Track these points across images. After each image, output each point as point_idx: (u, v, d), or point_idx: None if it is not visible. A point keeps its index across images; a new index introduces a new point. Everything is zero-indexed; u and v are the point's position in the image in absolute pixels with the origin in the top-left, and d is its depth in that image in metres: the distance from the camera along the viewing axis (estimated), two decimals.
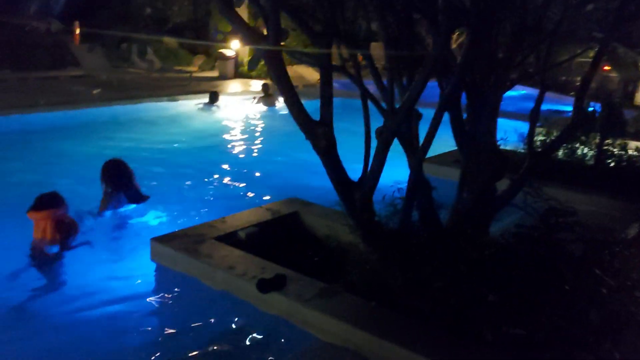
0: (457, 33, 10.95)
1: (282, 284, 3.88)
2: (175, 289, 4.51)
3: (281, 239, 4.96)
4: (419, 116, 4.08)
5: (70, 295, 4.83)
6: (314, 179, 7.68)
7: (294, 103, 3.03)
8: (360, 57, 3.75)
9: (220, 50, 18.40)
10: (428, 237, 3.83)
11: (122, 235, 5.63)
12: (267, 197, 7.15)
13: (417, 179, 3.53)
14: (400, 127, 3.28)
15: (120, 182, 5.81)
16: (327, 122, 3.09)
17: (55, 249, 5.19)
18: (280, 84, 3.00)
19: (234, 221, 5.07)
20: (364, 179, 3.34)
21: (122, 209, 5.82)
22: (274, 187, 7.76)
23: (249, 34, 2.91)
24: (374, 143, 3.58)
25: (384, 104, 3.53)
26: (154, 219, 5.96)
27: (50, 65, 16.10)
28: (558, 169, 6.88)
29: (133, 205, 5.90)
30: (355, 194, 3.31)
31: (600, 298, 3.11)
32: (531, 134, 4.13)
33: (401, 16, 3.42)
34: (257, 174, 8.60)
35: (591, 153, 7.37)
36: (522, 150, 7.38)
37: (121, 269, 5.04)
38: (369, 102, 3.55)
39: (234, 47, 18.36)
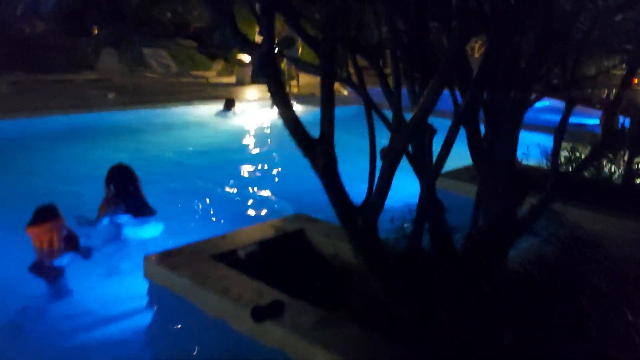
0: (478, 42, 10.59)
1: (279, 312, 3.58)
2: (167, 311, 4.24)
3: (283, 259, 4.65)
4: (433, 132, 3.75)
5: (60, 312, 4.62)
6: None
7: (290, 118, 2.73)
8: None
9: (239, 56, 18.21)
10: (439, 265, 3.50)
11: (119, 248, 5.37)
12: (277, 211, 6.88)
13: (428, 203, 3.20)
14: (408, 146, 2.96)
15: (125, 188, 5.55)
16: (328, 139, 2.78)
17: (64, 261, 4.96)
18: (275, 96, 2.71)
19: (234, 238, 4.78)
20: (368, 203, 3.02)
21: (120, 219, 5.54)
22: (284, 200, 7.49)
23: (242, 41, 2.62)
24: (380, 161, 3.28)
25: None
26: (154, 232, 5.69)
27: (66, 68, 16.00)
28: (583, 188, 6.49)
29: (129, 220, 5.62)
30: (358, 219, 2.99)
31: (630, 343, 2.76)
32: (556, 153, 3.78)
33: (414, 21, 3.11)
34: (268, 186, 8.32)
35: (619, 171, 6.96)
36: (545, 167, 7.02)
37: (115, 286, 4.79)
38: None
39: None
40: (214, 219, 6.88)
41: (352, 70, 3.23)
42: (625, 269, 3.25)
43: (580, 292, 2.98)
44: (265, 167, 9.61)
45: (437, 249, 3.70)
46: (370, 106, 3.16)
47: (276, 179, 8.95)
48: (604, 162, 6.92)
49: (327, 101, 2.80)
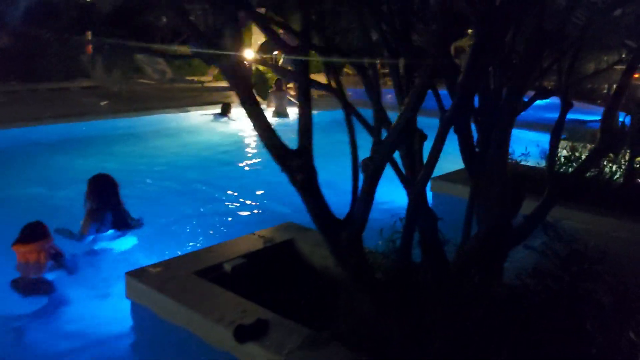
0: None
1: (263, 332, 3.39)
2: (148, 331, 4.05)
3: (271, 272, 4.46)
4: (423, 137, 3.55)
5: (40, 330, 4.44)
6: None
7: (263, 128, 2.54)
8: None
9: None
10: (432, 280, 3.30)
11: (103, 264, 5.17)
12: (273, 219, 6.68)
13: (417, 214, 3.00)
14: (390, 156, 2.76)
15: (107, 199, 5.35)
16: (306, 152, 2.58)
17: (49, 277, 4.80)
18: (245, 105, 2.52)
19: (220, 251, 4.58)
20: (351, 217, 2.82)
21: (106, 233, 5.35)
22: (280, 206, 7.28)
23: (206, 48, 2.43)
24: None
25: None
26: (140, 246, 5.50)
27: (61, 76, 15.84)
28: (583, 188, 6.28)
29: (114, 233, 5.43)
30: (341, 234, 2.80)
31: None
32: (552, 157, 3.58)
33: (396, 23, 2.91)
34: (264, 193, 8.12)
35: (621, 170, 6.74)
36: (544, 167, 6.81)
37: (97, 304, 4.60)
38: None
39: (248, 57, 17.95)
40: (208, 228, 6.70)
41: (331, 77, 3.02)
42: (626, 280, 3.04)
43: (582, 310, 2.78)
44: (261, 172, 9.43)
45: (429, 262, 3.50)
46: (350, 112, 2.96)
47: (272, 185, 8.75)
48: (605, 162, 6.71)
49: (305, 110, 2.60)
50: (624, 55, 3.96)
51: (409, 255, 3.14)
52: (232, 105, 13.93)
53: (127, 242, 5.42)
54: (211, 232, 6.51)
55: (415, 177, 3.27)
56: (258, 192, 8.17)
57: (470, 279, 3.20)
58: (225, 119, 13.73)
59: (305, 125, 2.58)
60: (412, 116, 2.55)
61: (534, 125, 9.77)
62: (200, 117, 13.54)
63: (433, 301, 3.07)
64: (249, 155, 11.07)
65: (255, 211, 7.48)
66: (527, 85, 2.86)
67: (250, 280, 4.26)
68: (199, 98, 15.14)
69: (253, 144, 11.68)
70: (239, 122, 13.37)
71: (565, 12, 3.21)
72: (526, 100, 3.65)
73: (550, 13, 3.17)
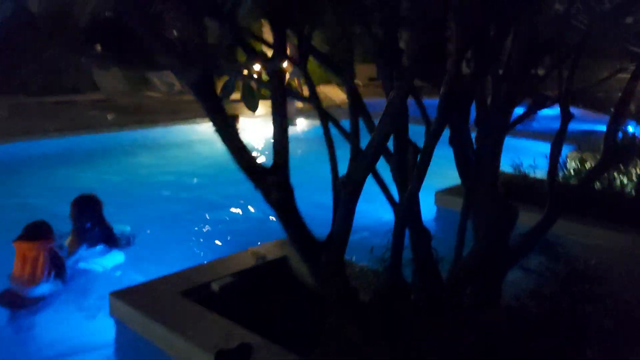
0: None
1: (245, 357, 3.21)
2: (132, 353, 3.89)
3: (262, 291, 4.29)
4: (417, 150, 3.37)
5: (22, 351, 4.29)
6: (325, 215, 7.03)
7: (234, 144, 2.38)
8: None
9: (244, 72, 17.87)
10: (424, 301, 3.11)
11: (90, 282, 5.01)
12: (276, 235, 6.50)
13: (403, 235, 2.82)
14: (368, 174, 2.57)
15: (92, 219, 5.24)
16: (282, 168, 2.42)
17: (44, 289, 4.66)
18: (213, 118, 2.36)
19: (209, 269, 4.43)
20: (331, 238, 2.64)
21: (94, 249, 5.23)
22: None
23: (172, 58, 2.27)
24: None
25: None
26: (131, 264, 5.36)
27: (69, 89, 15.80)
28: (592, 201, 6.05)
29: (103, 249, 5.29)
30: (322, 256, 2.62)
31: None
32: (552, 172, 3.37)
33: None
34: (263, 209, 7.91)
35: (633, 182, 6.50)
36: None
37: (82, 323, 4.44)
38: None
39: (255, 68, 17.84)
40: (210, 243, 6.53)
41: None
42: (631, 301, 2.83)
43: (582, 335, 2.58)
44: None
45: (422, 281, 3.31)
46: (327, 123, 2.78)
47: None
48: (616, 173, 6.48)
49: (280, 123, 2.44)
50: (630, 65, 3.72)
51: (398, 275, 2.95)
52: (239, 116, 13.80)
53: (117, 259, 5.29)
54: (215, 245, 6.35)
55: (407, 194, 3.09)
56: (262, 206, 7.98)
57: (464, 301, 3.00)
58: None
59: (280, 139, 2.41)
60: (389, 130, 2.38)
61: (544, 136, 9.53)
62: (207, 130, 13.40)
63: (424, 325, 2.88)
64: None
65: (259, 226, 7.30)
66: (517, 97, 2.66)
67: (239, 301, 4.09)
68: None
69: (261, 157, 11.54)
70: (247, 133, 13.24)
71: (561, 19, 3.02)
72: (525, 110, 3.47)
73: (546, 21, 2.98)
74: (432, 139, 2.51)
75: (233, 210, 7.76)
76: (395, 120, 2.33)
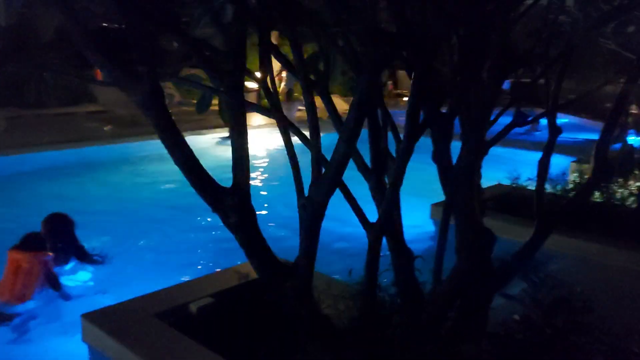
0: None
1: None
2: None
3: (243, 313, 4.10)
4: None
5: None
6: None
7: (188, 164, 2.21)
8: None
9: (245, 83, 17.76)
10: (402, 331, 2.93)
11: (64, 303, 4.85)
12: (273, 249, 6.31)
13: (376, 259, 2.65)
14: (330, 196, 2.40)
15: (64, 239, 5.14)
16: (241, 189, 2.25)
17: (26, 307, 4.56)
18: (162, 135, 2.20)
19: (189, 289, 4.25)
20: (297, 264, 2.47)
21: (67, 266, 5.12)
22: (284, 230, 6.89)
23: (116, 72, 2.12)
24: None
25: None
26: (109, 282, 5.20)
27: (66, 101, 15.72)
28: (591, 214, 5.85)
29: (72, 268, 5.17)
30: (287, 282, 2.45)
31: None
32: (540, 190, 3.19)
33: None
34: (270, 220, 7.72)
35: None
36: (554, 191, 6.42)
37: (56, 345, 4.29)
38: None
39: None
40: (201, 258, 6.37)
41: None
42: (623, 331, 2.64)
43: None
44: (257, 198, 9.07)
45: (404, 306, 3.13)
46: (289, 139, 2.61)
47: (277, 212, 8.35)
48: (616, 185, 6.29)
49: (239, 139, 2.28)
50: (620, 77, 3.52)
51: (372, 302, 2.77)
52: None
53: (88, 275, 5.18)
54: (183, 269, 6.17)
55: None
56: (269, 224, 7.78)
57: (446, 328, 2.82)
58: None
59: (239, 157, 2.24)
60: (349, 152, 2.21)
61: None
62: (205, 141, 13.29)
63: (401, 354, 2.70)
64: (253, 179, 10.76)
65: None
66: (489, 114, 2.49)
67: (218, 323, 3.91)
68: (205, 121, 14.91)
69: (259, 170, 11.38)
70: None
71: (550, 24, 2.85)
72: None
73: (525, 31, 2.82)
74: (403, 155, 2.34)
75: (205, 226, 7.55)
76: (353, 139, 2.16)
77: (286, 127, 2.60)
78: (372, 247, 2.59)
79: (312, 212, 2.32)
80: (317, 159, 2.43)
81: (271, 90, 2.69)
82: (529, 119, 3.19)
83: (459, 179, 2.55)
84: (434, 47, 2.25)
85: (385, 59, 2.16)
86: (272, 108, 2.62)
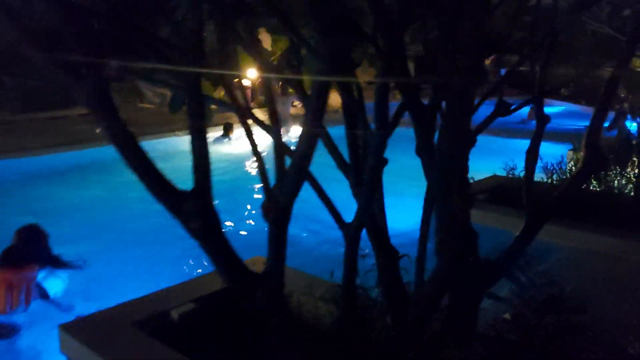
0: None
1: None
2: None
3: (228, 319, 3.95)
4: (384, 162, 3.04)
5: None
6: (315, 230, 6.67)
7: (141, 165, 2.06)
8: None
9: (237, 80, 17.59)
10: (386, 334, 2.78)
11: (45, 314, 4.72)
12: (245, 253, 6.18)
13: (354, 259, 2.50)
14: (294, 199, 2.23)
15: (38, 249, 5.00)
16: (203, 192, 2.10)
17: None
18: (111, 135, 2.05)
19: (170, 295, 4.11)
20: (267, 270, 2.32)
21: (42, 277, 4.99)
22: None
23: (57, 69, 1.97)
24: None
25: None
26: (92, 290, 5.07)
27: (58, 104, 15.56)
28: (588, 203, 5.69)
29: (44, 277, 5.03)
30: (258, 289, 2.30)
31: None
32: (528, 183, 3.03)
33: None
34: (252, 225, 7.62)
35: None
36: (555, 181, 6.27)
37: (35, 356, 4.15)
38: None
39: (251, 76, 17.55)
40: (167, 270, 6.22)
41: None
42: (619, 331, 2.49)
43: None
44: (252, 200, 8.96)
45: (389, 305, 2.99)
46: (252, 138, 2.46)
47: (258, 215, 8.24)
48: (613, 174, 6.12)
49: (199, 136, 2.12)
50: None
51: (352, 306, 2.62)
52: (233, 125, 13.58)
53: (63, 283, 5.06)
54: (172, 273, 6.02)
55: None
56: (240, 224, 7.68)
57: (431, 331, 2.67)
58: (227, 140, 13.41)
59: (200, 156, 2.09)
60: (310, 152, 2.05)
61: (545, 136, 9.18)
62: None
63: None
64: (237, 178, 10.62)
65: (251, 242, 6.97)
66: (466, 104, 2.32)
67: (199, 330, 3.77)
68: None
69: (243, 168, 11.25)
70: (241, 142, 12.94)
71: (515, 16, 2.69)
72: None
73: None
74: (375, 152, 2.18)
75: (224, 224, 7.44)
76: (313, 138, 2.01)
77: (248, 128, 2.46)
78: (348, 246, 2.44)
79: (276, 217, 2.16)
80: (281, 164, 2.27)
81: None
82: (512, 107, 3.02)
83: (439, 173, 2.39)
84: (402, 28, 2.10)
85: (344, 48, 2.00)
86: (233, 102, 2.47)
